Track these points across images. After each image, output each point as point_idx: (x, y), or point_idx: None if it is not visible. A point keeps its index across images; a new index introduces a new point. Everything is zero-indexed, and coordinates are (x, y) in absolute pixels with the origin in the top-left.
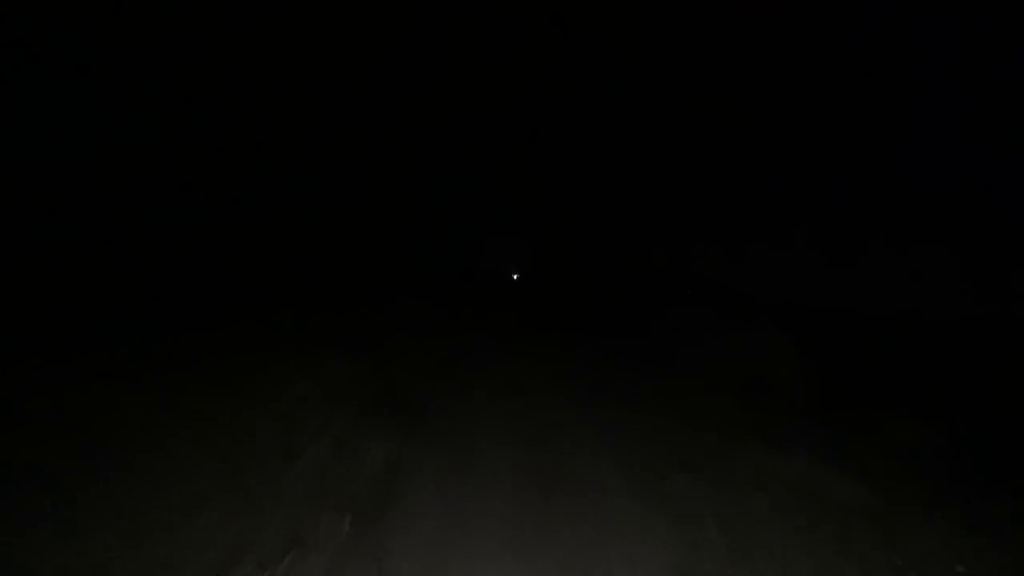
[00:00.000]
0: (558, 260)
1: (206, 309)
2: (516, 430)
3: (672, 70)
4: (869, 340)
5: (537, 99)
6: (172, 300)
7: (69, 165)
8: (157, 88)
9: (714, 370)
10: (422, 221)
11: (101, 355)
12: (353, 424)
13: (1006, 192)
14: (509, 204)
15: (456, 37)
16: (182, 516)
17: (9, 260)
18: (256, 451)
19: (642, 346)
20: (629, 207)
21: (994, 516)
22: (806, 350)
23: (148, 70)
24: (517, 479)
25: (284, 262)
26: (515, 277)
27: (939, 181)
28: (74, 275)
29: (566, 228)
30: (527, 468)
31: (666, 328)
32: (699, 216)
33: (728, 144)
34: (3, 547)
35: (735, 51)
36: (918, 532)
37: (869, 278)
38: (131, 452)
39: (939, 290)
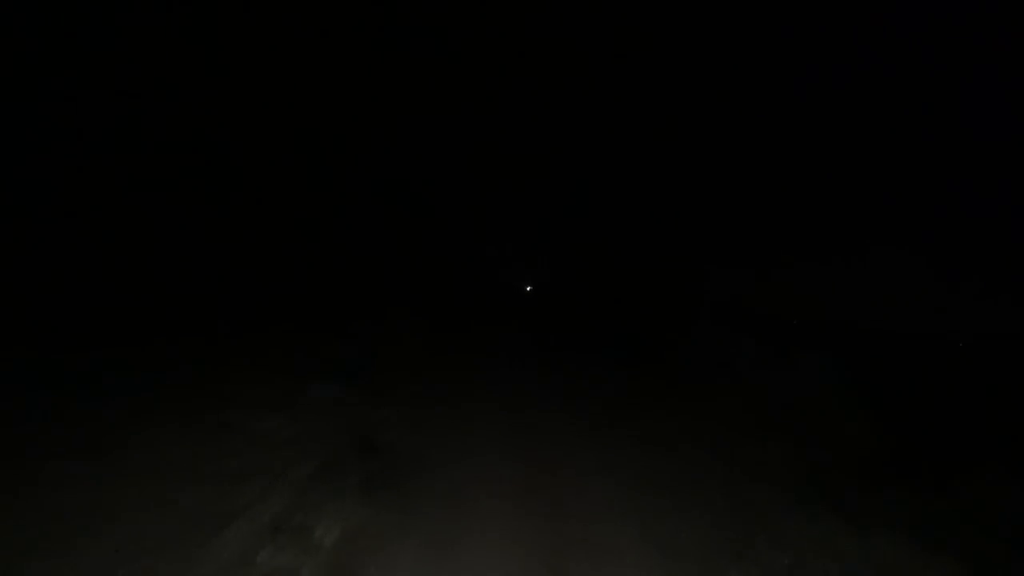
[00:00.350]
0: (573, 273)
1: (188, 318)
2: (520, 492)
3: (691, 75)
4: (924, 367)
5: (555, 108)
6: (153, 306)
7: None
8: (148, 87)
9: (757, 407)
10: (432, 231)
11: (52, 362)
12: (311, 482)
13: None
14: (524, 216)
15: (466, 38)
16: None
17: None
18: (176, 515)
19: (671, 376)
20: (647, 219)
21: None
22: (859, 381)
23: (140, 70)
24: None
25: (278, 271)
26: (528, 289)
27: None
28: (49, 275)
29: (581, 241)
30: (535, 550)
31: (695, 353)
32: (719, 229)
33: (752, 152)
34: None
35: (754, 57)
36: None
37: (905, 296)
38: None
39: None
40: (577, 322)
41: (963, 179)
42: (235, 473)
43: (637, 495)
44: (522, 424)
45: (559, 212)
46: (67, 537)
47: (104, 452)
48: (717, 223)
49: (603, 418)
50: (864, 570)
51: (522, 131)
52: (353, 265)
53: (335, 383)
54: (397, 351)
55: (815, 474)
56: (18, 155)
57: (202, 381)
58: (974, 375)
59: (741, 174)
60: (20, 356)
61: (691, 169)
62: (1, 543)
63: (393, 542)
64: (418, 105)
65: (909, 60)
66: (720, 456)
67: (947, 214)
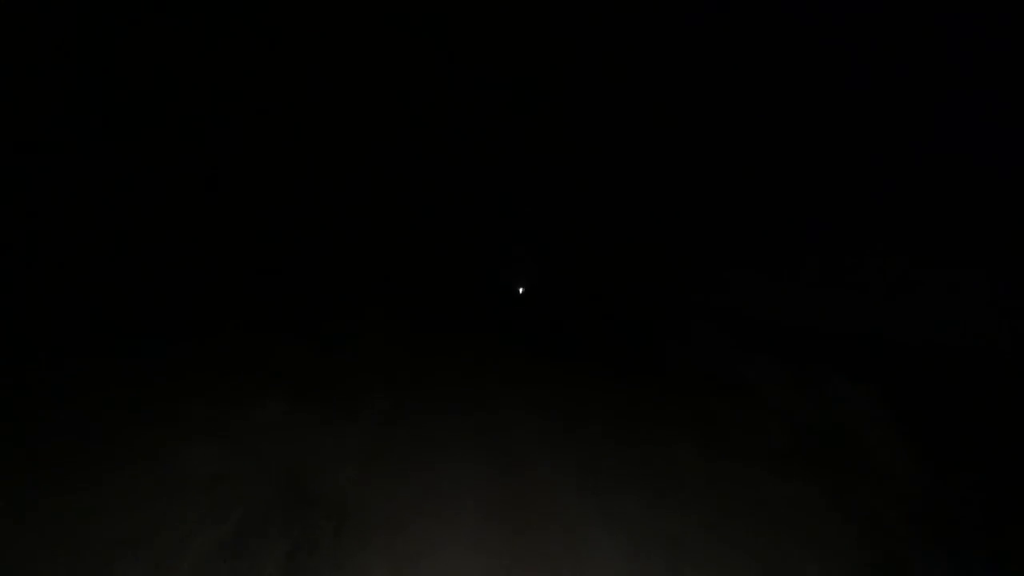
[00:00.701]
0: (569, 276)
1: (126, 317)
2: (498, 565)
3: (693, 77)
4: (960, 384)
5: (551, 104)
6: (88, 302)
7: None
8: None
9: (781, 436)
10: (420, 227)
11: None
12: (220, 552)
13: None
14: (519, 219)
15: (460, 33)
16: None
17: None
18: None
19: (678, 397)
20: (647, 221)
21: None
22: (892, 402)
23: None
24: None
25: (241, 261)
26: (520, 291)
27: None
28: None
29: (579, 243)
30: None
31: (704, 370)
32: (720, 232)
33: (755, 151)
34: None
35: (755, 57)
36: None
37: (925, 305)
38: None
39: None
40: (572, 329)
41: (980, 184)
42: (121, 537)
43: (650, 565)
44: (506, 457)
45: (556, 212)
46: None
47: None
48: (718, 226)
49: (602, 449)
50: None
51: (521, 131)
52: (330, 259)
53: (289, 397)
54: (370, 359)
55: (867, 531)
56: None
57: (125, 395)
58: (1015, 392)
59: (742, 173)
60: None
61: (691, 169)
62: None
63: None
64: (412, 100)
65: (916, 60)
66: (745, 503)
67: (967, 219)
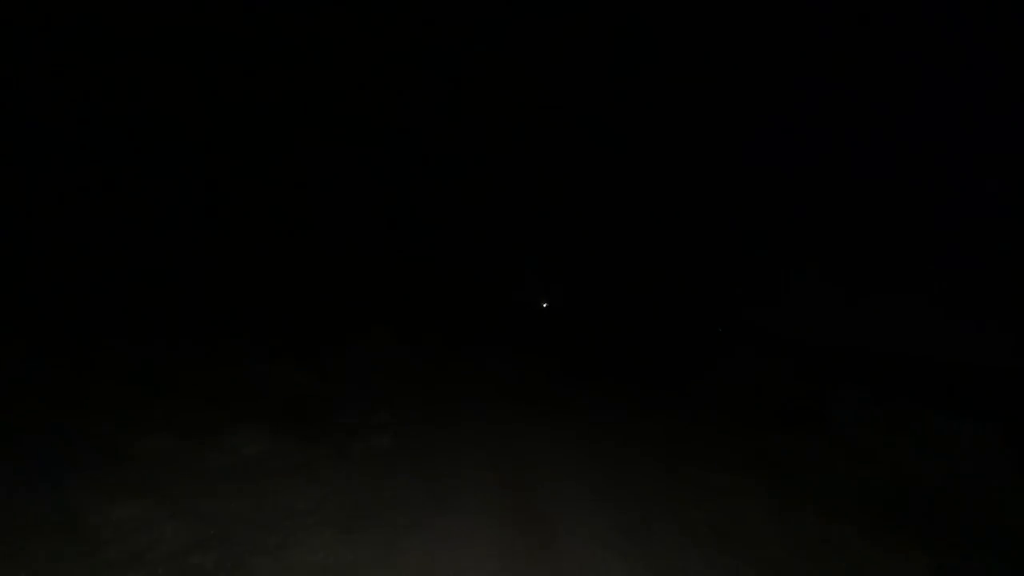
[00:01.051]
0: (590, 293)
1: (109, 327)
2: None
3: (720, 98)
4: None
5: (578, 133)
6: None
7: None
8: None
9: (883, 495)
10: (453, 247)
11: None
12: None
13: None
14: (543, 237)
15: (494, 53)
16: None
17: None
18: None
19: (731, 425)
20: (667, 239)
21: None
22: (1017, 447)
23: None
24: None
25: (242, 269)
26: (544, 305)
27: None
28: None
29: (598, 262)
30: None
31: (777, 405)
32: (737, 250)
33: (775, 169)
34: None
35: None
36: None
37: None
38: None
39: None
40: (602, 353)
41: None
42: None
43: None
44: (522, 526)
45: (582, 232)
46: None
47: None
48: (773, 234)
49: (651, 501)
50: None
51: (546, 161)
52: (343, 274)
53: (270, 430)
54: (372, 385)
55: None
56: None
57: (73, 424)
58: None
59: (804, 171)
60: None
61: (738, 170)
62: None
63: None
64: (437, 113)
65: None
66: (832, 571)
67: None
